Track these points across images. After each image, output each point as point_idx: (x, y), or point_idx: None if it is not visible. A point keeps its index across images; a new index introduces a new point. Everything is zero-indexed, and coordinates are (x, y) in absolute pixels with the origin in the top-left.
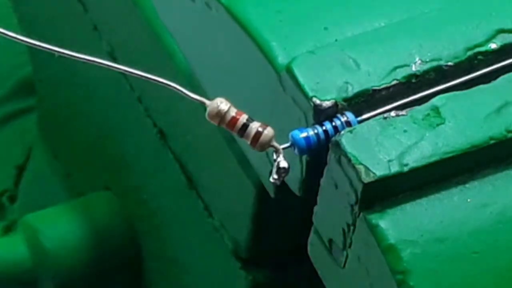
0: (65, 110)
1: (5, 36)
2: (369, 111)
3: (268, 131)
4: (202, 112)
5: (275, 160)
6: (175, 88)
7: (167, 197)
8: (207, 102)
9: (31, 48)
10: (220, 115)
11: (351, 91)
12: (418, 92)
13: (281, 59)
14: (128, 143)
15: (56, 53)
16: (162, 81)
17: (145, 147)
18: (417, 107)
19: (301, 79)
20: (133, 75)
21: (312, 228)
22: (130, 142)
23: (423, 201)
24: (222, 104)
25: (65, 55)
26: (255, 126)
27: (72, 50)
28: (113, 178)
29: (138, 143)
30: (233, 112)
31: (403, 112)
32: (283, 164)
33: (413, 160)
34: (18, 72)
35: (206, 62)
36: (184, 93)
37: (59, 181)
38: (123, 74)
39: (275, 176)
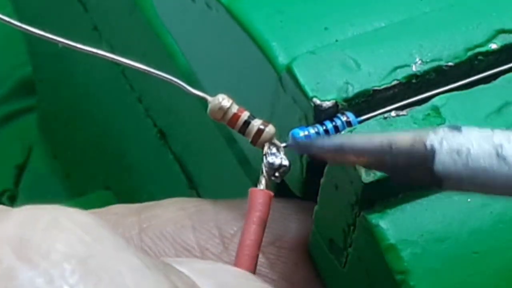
0: (65, 110)
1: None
2: (369, 111)
3: (270, 129)
4: (202, 112)
5: None
6: (176, 83)
7: (168, 197)
8: (209, 98)
9: (31, 48)
10: (222, 111)
11: (352, 91)
12: (419, 92)
13: (282, 59)
14: (128, 143)
15: (59, 43)
16: (163, 75)
17: (145, 147)
18: (417, 107)
19: (301, 79)
20: (134, 68)
21: (312, 228)
22: (130, 142)
23: (423, 201)
24: (224, 100)
25: (68, 46)
26: (256, 123)
27: (72, 50)
28: (113, 178)
29: (138, 143)
30: (235, 108)
31: (404, 112)
32: (284, 162)
33: None
34: (18, 72)
35: (206, 63)
36: (186, 88)
37: (59, 181)
38: (123, 74)
39: (276, 174)
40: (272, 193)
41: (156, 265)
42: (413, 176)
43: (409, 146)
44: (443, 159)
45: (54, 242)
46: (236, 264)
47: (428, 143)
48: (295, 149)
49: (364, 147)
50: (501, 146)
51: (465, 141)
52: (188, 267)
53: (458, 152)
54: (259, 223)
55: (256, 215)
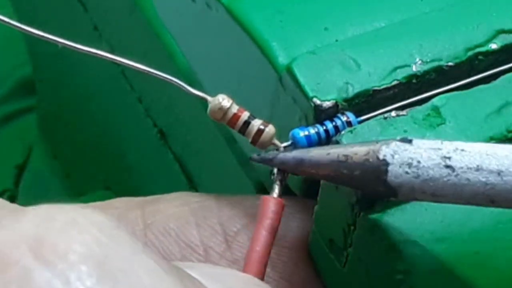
0: (65, 110)
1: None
2: (369, 111)
3: (270, 129)
4: (202, 112)
5: None
6: (176, 83)
7: None
8: (209, 98)
9: (31, 48)
10: (222, 112)
11: (352, 91)
12: (419, 92)
13: (282, 59)
14: (128, 143)
15: (59, 44)
16: (163, 75)
17: (145, 147)
18: (417, 107)
19: (301, 80)
20: (134, 68)
21: (312, 228)
22: (130, 142)
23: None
24: (224, 100)
25: (69, 46)
26: (257, 123)
27: (72, 50)
28: (113, 178)
29: (138, 143)
30: (235, 109)
31: (404, 112)
32: None
33: None
34: (18, 72)
35: (206, 63)
36: (186, 89)
37: (59, 181)
38: (123, 74)
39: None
40: (283, 202)
41: (171, 268)
42: (369, 187)
43: (364, 159)
44: (396, 171)
45: (71, 242)
46: (245, 270)
47: (381, 156)
48: (258, 163)
49: (322, 160)
50: (449, 157)
51: (415, 153)
52: (198, 272)
53: (409, 164)
54: (270, 231)
55: (267, 222)
